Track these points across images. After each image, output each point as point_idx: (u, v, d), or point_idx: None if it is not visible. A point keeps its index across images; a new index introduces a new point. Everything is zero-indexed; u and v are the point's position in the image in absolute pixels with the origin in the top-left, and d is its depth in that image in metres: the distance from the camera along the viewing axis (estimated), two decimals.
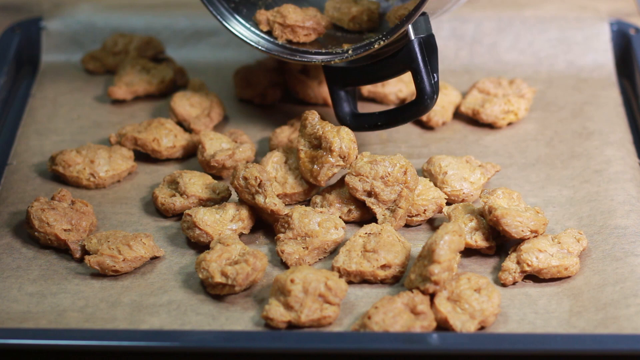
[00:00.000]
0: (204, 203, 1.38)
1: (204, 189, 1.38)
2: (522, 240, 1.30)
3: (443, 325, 1.22)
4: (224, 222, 1.33)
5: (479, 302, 1.22)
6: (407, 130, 1.53)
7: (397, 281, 1.29)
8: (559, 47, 1.66)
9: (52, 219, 1.32)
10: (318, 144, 1.36)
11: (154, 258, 1.32)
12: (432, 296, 1.23)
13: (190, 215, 1.32)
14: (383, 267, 1.28)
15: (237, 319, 1.24)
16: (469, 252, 1.32)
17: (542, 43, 1.66)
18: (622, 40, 1.65)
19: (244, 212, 1.33)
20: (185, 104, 1.53)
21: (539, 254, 1.28)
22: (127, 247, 1.29)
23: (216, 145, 1.44)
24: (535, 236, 1.30)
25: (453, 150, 1.49)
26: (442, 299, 1.22)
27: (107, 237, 1.30)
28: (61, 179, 1.44)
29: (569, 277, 1.29)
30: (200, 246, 1.33)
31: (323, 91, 1.57)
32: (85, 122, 1.55)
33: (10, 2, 1.75)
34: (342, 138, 1.35)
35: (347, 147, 1.35)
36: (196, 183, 1.39)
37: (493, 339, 1.17)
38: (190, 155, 1.49)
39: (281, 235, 1.32)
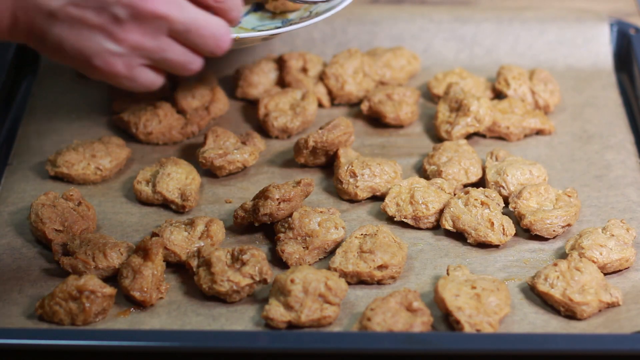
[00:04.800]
0: (168, 204, 1.38)
1: (175, 189, 1.38)
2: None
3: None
4: (192, 240, 1.31)
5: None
6: (407, 131, 1.53)
7: (394, 282, 1.29)
8: (559, 47, 1.66)
9: (46, 217, 1.32)
10: (457, 107, 1.46)
11: None
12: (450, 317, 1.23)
13: (158, 236, 1.31)
14: (380, 267, 1.28)
15: (237, 319, 1.24)
16: (483, 245, 1.33)
17: (542, 44, 1.66)
18: (622, 41, 1.65)
19: (214, 228, 1.32)
20: (187, 94, 1.53)
21: (601, 249, 1.28)
22: (101, 255, 1.27)
23: (220, 143, 1.44)
24: (568, 226, 1.33)
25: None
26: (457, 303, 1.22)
27: (89, 241, 1.29)
28: (65, 179, 1.44)
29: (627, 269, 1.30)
30: None
31: (319, 90, 1.57)
32: (85, 122, 1.55)
33: None
34: (481, 104, 1.46)
35: (484, 112, 1.46)
36: (173, 179, 1.38)
37: (493, 339, 1.17)
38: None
39: (281, 235, 1.32)
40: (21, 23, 1.13)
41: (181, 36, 1.15)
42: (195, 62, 1.18)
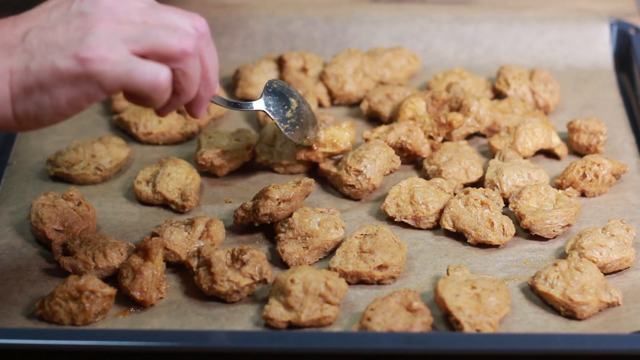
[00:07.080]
0: (168, 204, 1.38)
1: (175, 189, 1.38)
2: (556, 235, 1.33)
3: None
4: (192, 240, 1.31)
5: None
6: None
7: (394, 282, 1.29)
8: (559, 48, 1.66)
9: (47, 217, 1.32)
10: (457, 107, 1.48)
11: None
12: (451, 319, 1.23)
13: (158, 236, 1.31)
14: (380, 267, 1.28)
15: (237, 319, 1.24)
16: (483, 245, 1.33)
17: (542, 44, 1.66)
18: (622, 41, 1.65)
19: (214, 228, 1.32)
20: None
21: (601, 249, 1.28)
22: (101, 255, 1.27)
23: (215, 142, 1.44)
24: (568, 226, 1.33)
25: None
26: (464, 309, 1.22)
27: (89, 241, 1.29)
28: (65, 179, 1.44)
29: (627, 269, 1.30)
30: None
31: (319, 90, 1.57)
32: (85, 122, 1.55)
33: (10, 1, 1.75)
34: (481, 104, 1.46)
35: (484, 112, 1.46)
36: (173, 179, 1.38)
37: (493, 339, 1.17)
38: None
39: (281, 235, 1.32)
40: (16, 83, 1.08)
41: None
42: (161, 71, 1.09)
